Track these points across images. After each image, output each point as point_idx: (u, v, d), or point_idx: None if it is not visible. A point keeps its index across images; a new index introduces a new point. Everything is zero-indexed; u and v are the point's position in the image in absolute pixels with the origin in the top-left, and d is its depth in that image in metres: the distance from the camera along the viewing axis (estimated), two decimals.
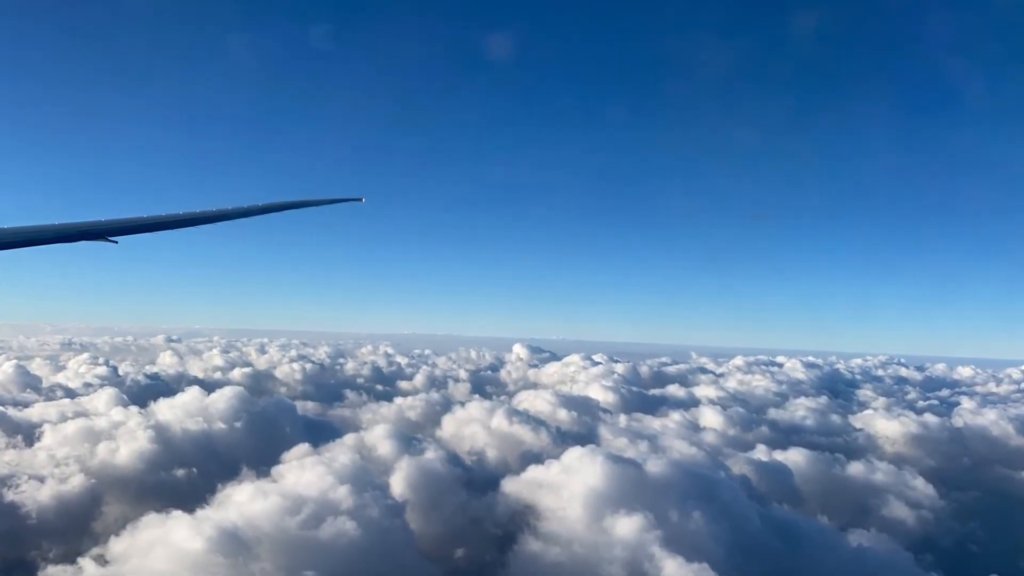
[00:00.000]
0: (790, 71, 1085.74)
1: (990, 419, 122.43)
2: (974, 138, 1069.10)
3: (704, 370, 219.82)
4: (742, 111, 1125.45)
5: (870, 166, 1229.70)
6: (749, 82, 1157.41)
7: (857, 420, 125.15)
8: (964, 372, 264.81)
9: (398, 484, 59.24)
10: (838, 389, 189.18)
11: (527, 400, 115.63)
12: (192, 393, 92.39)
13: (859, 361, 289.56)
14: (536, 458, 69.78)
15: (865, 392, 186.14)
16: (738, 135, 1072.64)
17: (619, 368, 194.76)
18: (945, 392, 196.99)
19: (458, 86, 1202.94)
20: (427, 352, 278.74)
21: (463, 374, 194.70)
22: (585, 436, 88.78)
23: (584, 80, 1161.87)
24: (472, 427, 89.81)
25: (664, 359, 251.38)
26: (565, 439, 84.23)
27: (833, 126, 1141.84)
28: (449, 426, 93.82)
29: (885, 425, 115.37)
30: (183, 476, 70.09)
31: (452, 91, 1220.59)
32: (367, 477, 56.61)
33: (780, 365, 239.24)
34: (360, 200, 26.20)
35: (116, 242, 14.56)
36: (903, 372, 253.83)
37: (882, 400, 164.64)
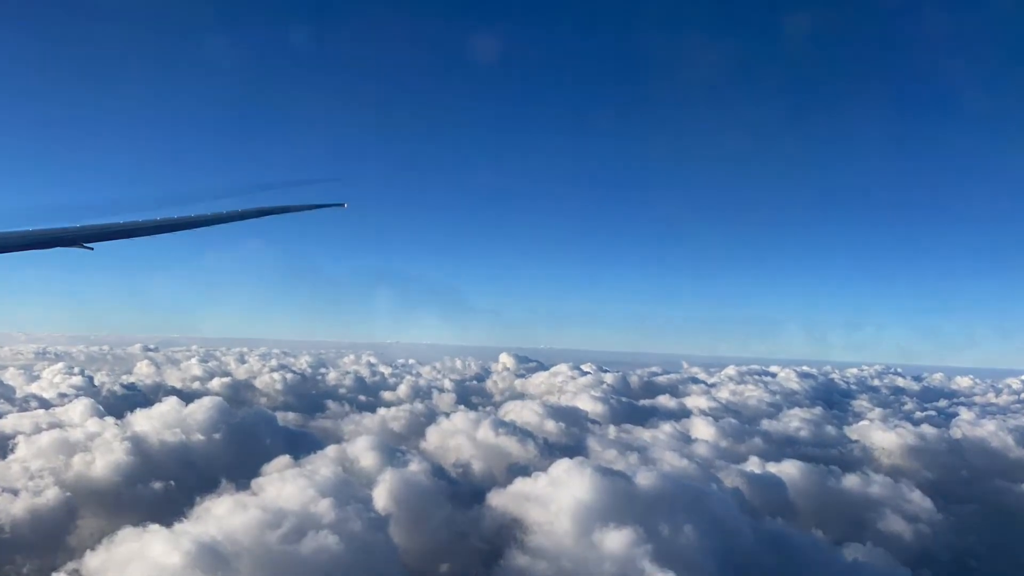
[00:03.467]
0: (781, 73, 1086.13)
1: (989, 430, 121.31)
2: (973, 142, 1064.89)
3: (696, 380, 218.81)
4: (734, 115, 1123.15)
5: (866, 171, 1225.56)
6: (740, 85, 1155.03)
7: (853, 431, 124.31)
8: (962, 382, 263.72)
9: (381, 497, 58.35)
10: (833, 399, 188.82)
11: (514, 411, 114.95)
12: (170, 404, 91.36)
13: (855, 371, 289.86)
14: (523, 470, 69.02)
15: (861, 402, 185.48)
16: (730, 139, 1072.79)
17: (608, 378, 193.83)
18: (943, 402, 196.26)
19: (442, 89, 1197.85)
20: (411, 361, 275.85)
21: (448, 384, 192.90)
22: (573, 448, 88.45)
23: (571, 83, 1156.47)
24: (457, 438, 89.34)
25: (654, 369, 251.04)
26: (553, 451, 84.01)
27: (828, 130, 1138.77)
28: (434, 437, 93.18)
29: (881, 436, 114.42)
30: (160, 489, 69.45)
31: (435, 94, 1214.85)
32: (349, 490, 55.94)
33: (773, 375, 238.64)
34: (342, 206, 26.43)
35: (91, 248, 14.43)
36: (900, 382, 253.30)
37: (878, 411, 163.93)
